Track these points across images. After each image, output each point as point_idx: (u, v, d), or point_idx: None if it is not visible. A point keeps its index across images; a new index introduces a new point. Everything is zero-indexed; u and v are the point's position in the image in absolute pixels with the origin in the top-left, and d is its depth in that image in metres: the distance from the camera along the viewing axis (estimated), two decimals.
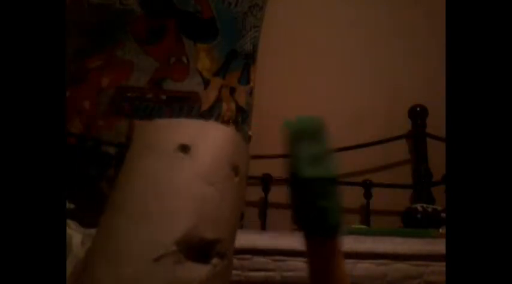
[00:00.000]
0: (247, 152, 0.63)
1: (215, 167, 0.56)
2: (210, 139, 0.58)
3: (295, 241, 0.98)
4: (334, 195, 0.34)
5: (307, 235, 0.37)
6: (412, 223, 1.51)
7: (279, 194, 1.72)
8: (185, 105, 1.79)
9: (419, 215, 1.51)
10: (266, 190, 1.70)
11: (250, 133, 1.79)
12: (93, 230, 0.99)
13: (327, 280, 0.35)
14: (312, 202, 0.34)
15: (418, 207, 1.54)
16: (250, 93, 1.82)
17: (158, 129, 0.59)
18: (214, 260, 0.52)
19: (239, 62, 1.83)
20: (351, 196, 1.75)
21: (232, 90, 1.82)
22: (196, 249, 0.50)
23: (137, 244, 0.50)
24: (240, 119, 1.80)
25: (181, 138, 0.56)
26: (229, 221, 0.56)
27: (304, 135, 0.35)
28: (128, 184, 0.55)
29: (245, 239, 0.95)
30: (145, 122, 0.62)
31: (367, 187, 1.72)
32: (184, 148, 0.55)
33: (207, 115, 1.79)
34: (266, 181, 1.70)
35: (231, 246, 0.56)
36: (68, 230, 0.94)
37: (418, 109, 1.82)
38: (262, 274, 0.91)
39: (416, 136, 1.81)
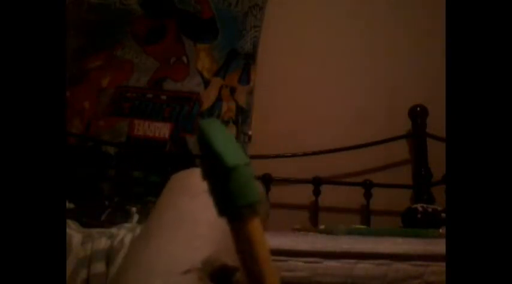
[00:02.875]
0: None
1: None
2: None
3: (295, 241, 0.98)
4: (252, 178, 0.37)
5: (231, 219, 0.40)
6: (412, 223, 1.51)
7: (279, 194, 1.72)
8: (185, 105, 1.79)
9: (419, 215, 1.51)
10: (266, 190, 1.70)
11: (250, 133, 1.79)
12: (93, 230, 0.99)
13: (249, 257, 0.39)
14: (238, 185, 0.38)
15: (418, 207, 1.54)
16: (250, 93, 1.82)
17: (192, 175, 0.71)
18: None
19: (239, 62, 1.84)
20: (351, 196, 1.75)
21: (233, 90, 1.82)
22: (218, 273, 0.56)
23: (167, 258, 0.56)
24: (240, 119, 1.80)
25: None
26: None
27: (216, 132, 0.37)
28: (163, 214, 0.65)
29: None
30: (181, 171, 0.77)
31: (367, 187, 1.72)
32: None
33: (207, 115, 1.79)
34: (266, 181, 1.70)
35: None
36: (68, 230, 0.94)
37: (418, 109, 1.83)
38: None
39: (416, 136, 1.82)
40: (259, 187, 0.47)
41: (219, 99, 1.81)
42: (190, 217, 0.61)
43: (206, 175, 0.40)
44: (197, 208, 0.62)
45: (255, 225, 0.38)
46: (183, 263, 0.54)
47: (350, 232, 1.17)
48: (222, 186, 0.38)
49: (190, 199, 0.64)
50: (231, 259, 0.57)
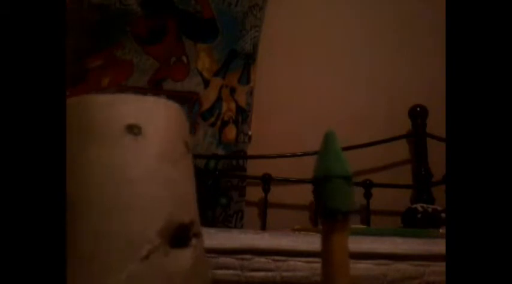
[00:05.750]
0: (188, 123, 0.60)
1: (172, 146, 0.52)
2: (159, 116, 0.54)
3: (295, 241, 0.98)
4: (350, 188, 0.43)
5: (327, 218, 0.43)
6: (412, 223, 1.51)
7: (279, 194, 1.72)
8: (185, 105, 1.79)
9: (419, 215, 1.51)
10: (266, 190, 1.70)
11: (250, 133, 1.79)
12: None
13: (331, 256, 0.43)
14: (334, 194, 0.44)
15: (418, 207, 1.54)
16: (250, 93, 1.82)
17: (96, 110, 0.52)
18: (193, 242, 0.51)
19: (239, 62, 1.84)
20: None
21: (233, 90, 1.82)
22: (177, 235, 0.49)
23: (119, 243, 0.45)
24: (240, 119, 1.80)
25: (126, 117, 0.51)
26: (195, 200, 0.54)
27: (332, 147, 0.44)
28: (84, 178, 0.49)
29: (245, 239, 0.95)
30: (77, 100, 0.53)
31: (367, 187, 1.72)
32: (133, 129, 0.50)
33: (207, 115, 1.79)
34: (266, 181, 1.70)
35: (199, 224, 0.54)
36: None
37: (418, 109, 1.83)
38: (262, 274, 0.91)
39: (416, 136, 1.82)
40: (352, 199, 0.44)
41: (219, 99, 1.81)
42: (122, 172, 0.47)
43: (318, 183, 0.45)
44: (122, 155, 0.49)
45: (340, 229, 0.41)
46: (139, 243, 0.45)
47: (350, 232, 1.17)
48: (323, 189, 0.44)
49: (107, 143, 0.49)
50: (186, 213, 0.50)
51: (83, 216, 0.47)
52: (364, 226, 1.59)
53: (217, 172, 1.72)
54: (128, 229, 0.46)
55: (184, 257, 0.48)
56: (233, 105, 1.81)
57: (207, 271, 0.55)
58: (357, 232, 1.19)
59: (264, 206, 1.71)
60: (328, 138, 0.44)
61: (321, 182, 0.43)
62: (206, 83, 1.82)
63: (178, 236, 0.49)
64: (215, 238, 0.95)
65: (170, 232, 0.48)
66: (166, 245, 0.47)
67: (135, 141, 0.49)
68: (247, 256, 0.92)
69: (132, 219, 0.47)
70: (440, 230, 1.24)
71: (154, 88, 1.80)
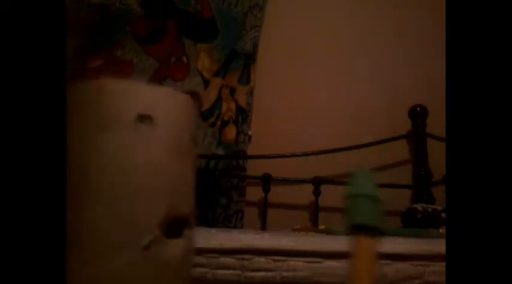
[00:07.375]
0: (196, 117, 0.62)
1: (180, 140, 0.54)
2: (171, 108, 0.54)
3: (295, 241, 0.98)
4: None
5: (355, 234, 0.48)
6: (412, 223, 1.51)
7: (279, 194, 1.72)
8: None
9: (419, 215, 1.51)
10: (266, 190, 1.70)
11: (250, 133, 1.79)
12: None
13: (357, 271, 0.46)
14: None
15: (418, 207, 1.54)
16: (250, 93, 1.82)
17: (109, 96, 0.52)
18: (186, 232, 0.53)
19: (239, 62, 1.84)
20: None
21: (233, 90, 1.82)
22: (173, 226, 0.51)
23: (123, 231, 0.48)
24: (240, 119, 1.80)
25: (138, 107, 0.51)
26: (194, 193, 0.56)
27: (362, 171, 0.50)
28: (93, 167, 0.49)
29: (245, 239, 0.95)
30: (93, 84, 0.52)
31: None
32: (145, 119, 0.51)
33: (207, 115, 1.79)
34: (266, 181, 1.70)
35: (194, 216, 0.57)
36: None
37: (418, 109, 1.83)
38: (262, 274, 0.91)
39: (416, 136, 1.82)
40: (377, 217, 0.47)
41: (219, 99, 1.81)
42: (130, 161, 0.49)
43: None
44: (132, 145, 0.49)
45: (364, 243, 0.46)
46: (140, 233, 0.48)
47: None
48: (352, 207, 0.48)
49: (118, 131, 0.49)
50: (185, 206, 0.52)
51: (88, 203, 0.49)
52: None
53: (217, 172, 1.72)
54: (132, 218, 0.48)
55: (177, 246, 0.51)
56: (233, 105, 1.81)
57: (192, 258, 0.58)
58: None
59: (264, 206, 1.71)
60: (362, 169, 0.49)
61: (350, 200, 0.47)
62: (206, 83, 1.82)
63: (175, 228, 0.51)
64: (215, 238, 0.95)
65: (168, 224, 0.50)
66: (163, 236, 0.50)
67: (146, 132, 0.51)
68: (247, 256, 0.92)
69: (138, 209, 0.49)
70: (440, 230, 1.24)
71: None
